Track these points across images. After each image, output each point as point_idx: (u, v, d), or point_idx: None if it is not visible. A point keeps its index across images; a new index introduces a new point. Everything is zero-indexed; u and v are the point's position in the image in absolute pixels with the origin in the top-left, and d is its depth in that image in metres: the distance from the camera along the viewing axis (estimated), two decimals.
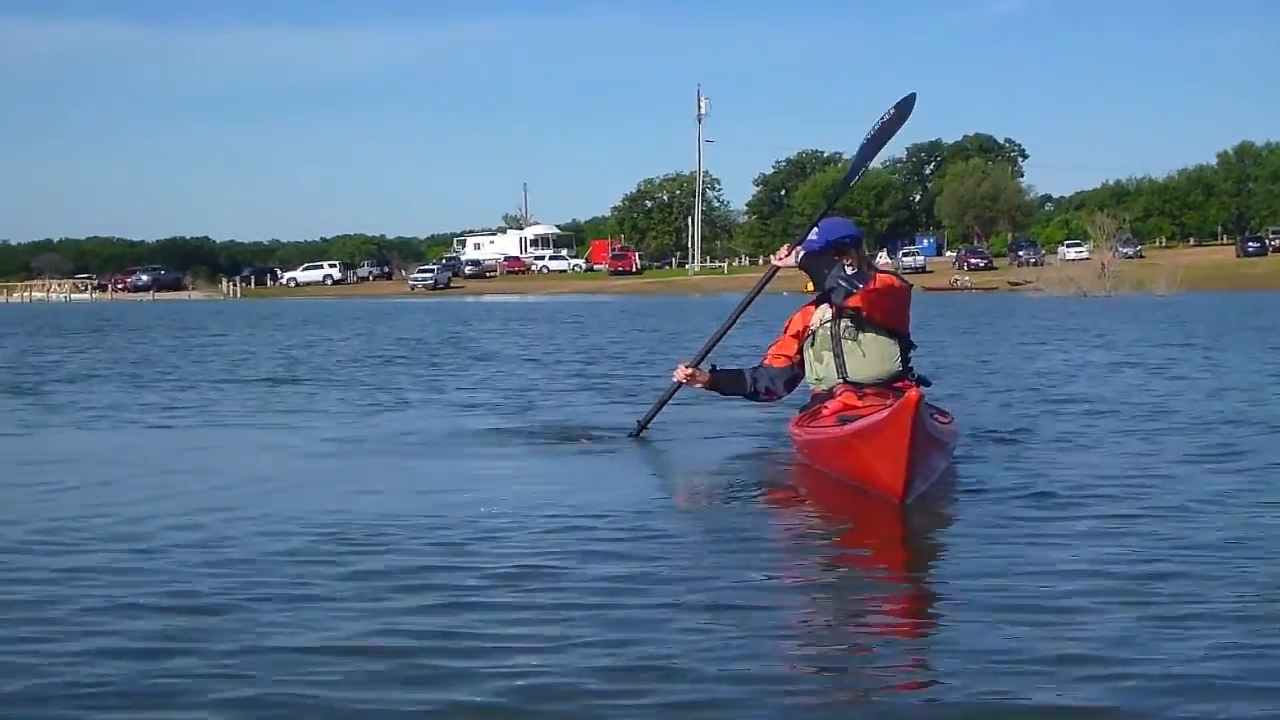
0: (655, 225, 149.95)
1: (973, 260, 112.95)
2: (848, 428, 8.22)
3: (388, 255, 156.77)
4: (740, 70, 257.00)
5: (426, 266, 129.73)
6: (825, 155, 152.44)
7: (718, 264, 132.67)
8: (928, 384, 9.50)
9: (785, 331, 10.04)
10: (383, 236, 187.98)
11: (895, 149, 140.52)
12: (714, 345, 10.67)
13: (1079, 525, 7.12)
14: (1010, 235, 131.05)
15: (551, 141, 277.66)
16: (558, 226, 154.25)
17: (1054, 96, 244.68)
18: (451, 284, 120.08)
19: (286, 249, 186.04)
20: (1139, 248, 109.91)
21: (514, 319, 45.54)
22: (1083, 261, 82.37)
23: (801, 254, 9.71)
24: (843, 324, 9.43)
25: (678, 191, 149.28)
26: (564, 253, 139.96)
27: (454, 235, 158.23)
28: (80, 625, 5.31)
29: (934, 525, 7.34)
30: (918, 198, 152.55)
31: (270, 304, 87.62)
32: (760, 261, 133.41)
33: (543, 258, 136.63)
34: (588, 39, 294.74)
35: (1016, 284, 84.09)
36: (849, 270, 9.37)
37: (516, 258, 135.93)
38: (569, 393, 15.77)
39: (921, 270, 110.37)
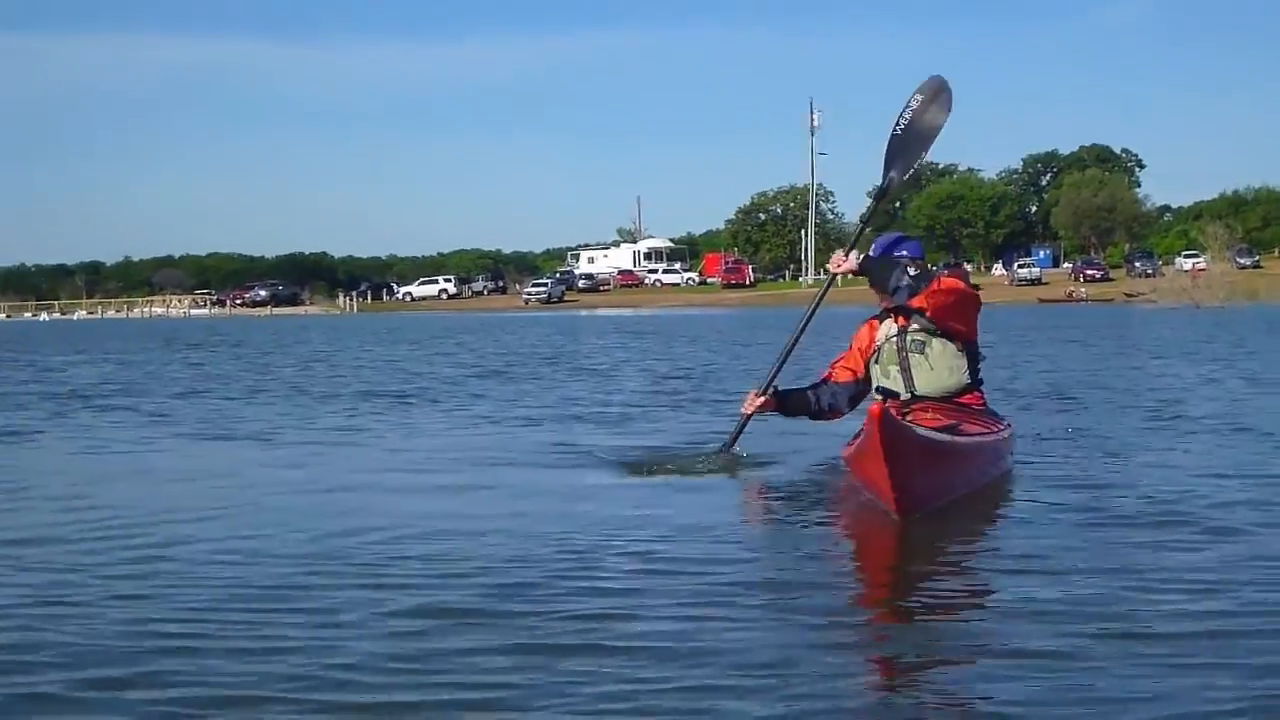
0: (769, 238, 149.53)
1: (1089, 271, 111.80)
2: (853, 445, 8.16)
3: (503, 269, 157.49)
4: (853, 82, 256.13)
5: (540, 280, 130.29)
6: (940, 166, 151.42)
7: None
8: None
9: (851, 346, 9.83)
10: (499, 251, 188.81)
11: (1011, 159, 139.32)
12: (781, 366, 10.26)
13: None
14: (1127, 246, 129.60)
15: (665, 155, 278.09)
16: (671, 240, 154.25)
17: (1172, 105, 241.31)
18: (565, 298, 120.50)
19: (404, 264, 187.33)
20: (1257, 257, 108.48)
21: (622, 333, 45.49)
22: (1199, 272, 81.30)
23: (862, 258, 9.56)
24: (909, 337, 9.27)
25: (791, 204, 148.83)
26: (677, 266, 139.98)
27: (568, 249, 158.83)
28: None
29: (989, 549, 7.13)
30: (1034, 209, 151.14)
31: (385, 318, 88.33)
32: None
33: (656, 271, 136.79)
34: (701, 52, 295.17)
35: (1132, 295, 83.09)
36: (912, 272, 9.20)
37: (630, 271, 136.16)
38: (663, 408, 15.66)
39: (1037, 282, 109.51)
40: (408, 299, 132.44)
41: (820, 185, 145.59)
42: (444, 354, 31.92)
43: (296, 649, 5.19)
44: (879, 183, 10.48)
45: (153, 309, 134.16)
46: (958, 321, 9.24)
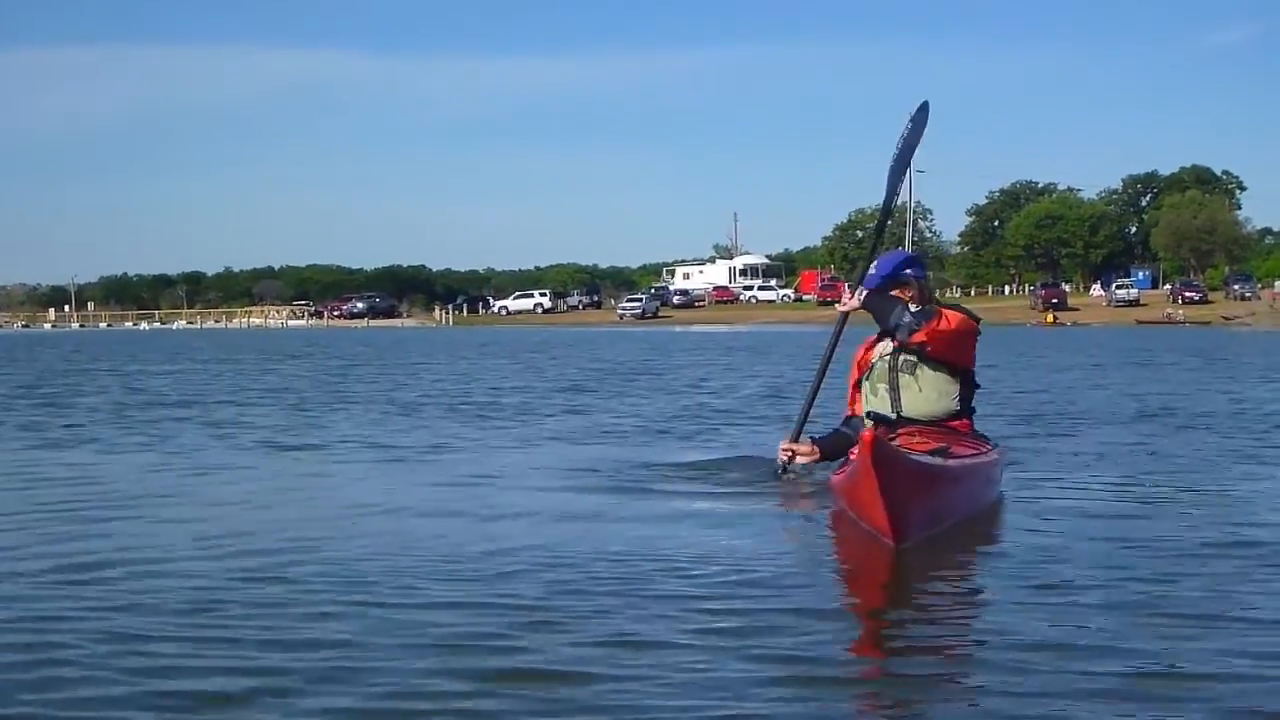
0: (866, 255, 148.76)
1: (1187, 293, 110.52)
2: (843, 472, 8.11)
3: (599, 284, 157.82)
4: (952, 100, 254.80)
5: (635, 296, 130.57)
6: (1039, 185, 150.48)
7: None
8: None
9: (852, 370, 9.83)
10: (595, 266, 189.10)
11: (1111, 179, 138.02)
12: (809, 410, 10.22)
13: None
14: (1227, 268, 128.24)
15: (763, 171, 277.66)
16: (768, 256, 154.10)
17: (1273, 128, 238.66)
18: (659, 314, 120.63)
19: (501, 277, 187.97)
20: None
21: (711, 349, 45.44)
22: None
23: (865, 294, 9.46)
24: (901, 358, 9.25)
25: (889, 222, 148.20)
26: (773, 283, 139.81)
27: (664, 265, 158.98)
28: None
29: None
30: (1133, 229, 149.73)
31: (479, 332, 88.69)
32: (973, 293, 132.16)
33: (751, 288, 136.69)
34: (799, 67, 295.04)
35: (1229, 318, 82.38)
36: (913, 308, 9.13)
37: (725, 287, 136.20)
38: (740, 425, 15.73)
39: (1135, 303, 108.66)
40: (503, 312, 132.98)
41: (918, 203, 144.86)
42: (532, 368, 32.06)
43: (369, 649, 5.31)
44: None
45: (251, 319, 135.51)
46: (957, 354, 9.24)
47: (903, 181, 10.90)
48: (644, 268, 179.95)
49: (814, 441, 9.86)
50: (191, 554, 7.40)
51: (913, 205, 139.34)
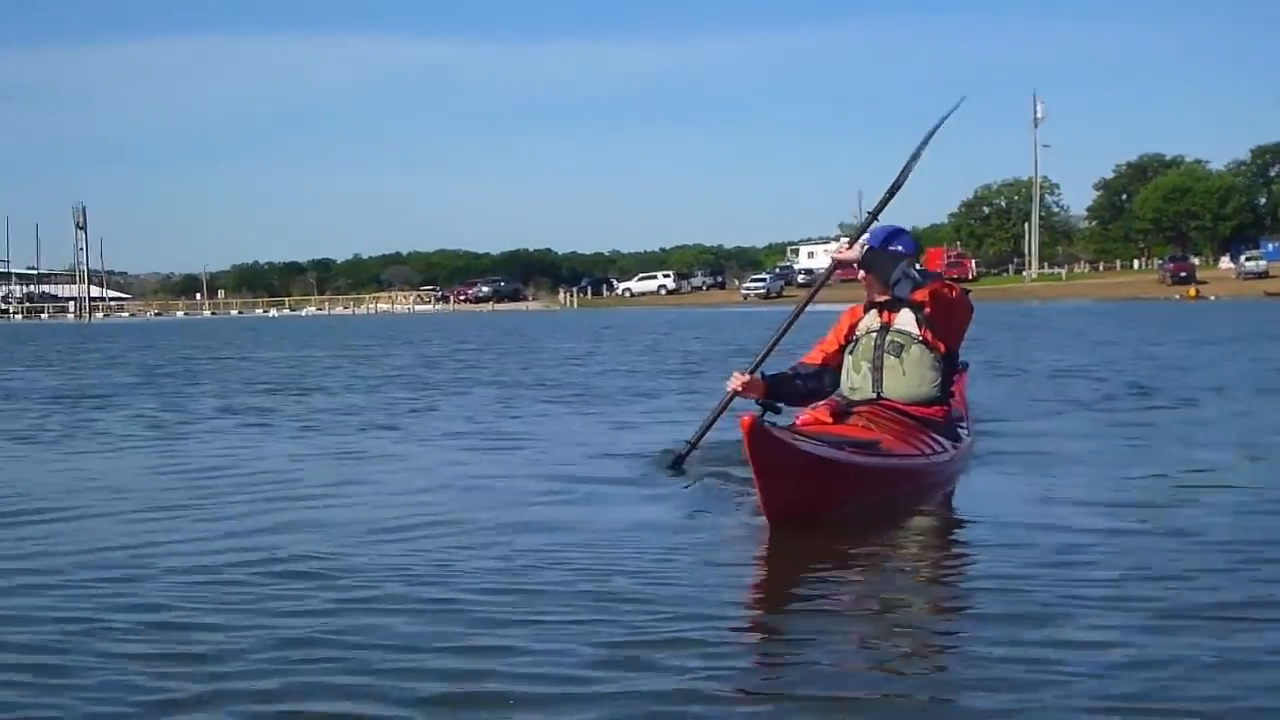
0: (993, 231, 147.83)
1: None
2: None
3: (723, 265, 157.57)
4: (1078, 74, 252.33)
5: (759, 276, 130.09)
6: (1166, 158, 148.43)
7: (1056, 270, 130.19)
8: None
9: (830, 332, 9.61)
10: (720, 246, 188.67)
11: (1239, 150, 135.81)
12: (772, 349, 9.84)
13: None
14: None
15: (888, 148, 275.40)
16: None
17: None
18: (784, 293, 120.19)
19: (626, 259, 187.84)
20: None
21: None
22: None
23: (867, 248, 9.27)
24: (889, 337, 9.14)
25: (1015, 197, 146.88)
26: None
27: (789, 244, 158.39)
28: None
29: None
30: (1263, 201, 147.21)
31: (602, 314, 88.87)
32: (1101, 267, 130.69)
33: None
34: (922, 44, 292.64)
35: None
36: (915, 269, 8.99)
37: (850, 265, 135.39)
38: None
39: (1264, 275, 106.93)
40: (627, 294, 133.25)
41: (1045, 178, 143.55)
42: (650, 349, 32.09)
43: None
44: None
45: (378, 305, 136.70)
46: (949, 325, 9.12)
47: (914, 166, 10.37)
48: (770, 247, 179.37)
49: (764, 378, 9.48)
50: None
51: (1038, 179, 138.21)
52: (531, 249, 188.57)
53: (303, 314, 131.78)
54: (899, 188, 10.11)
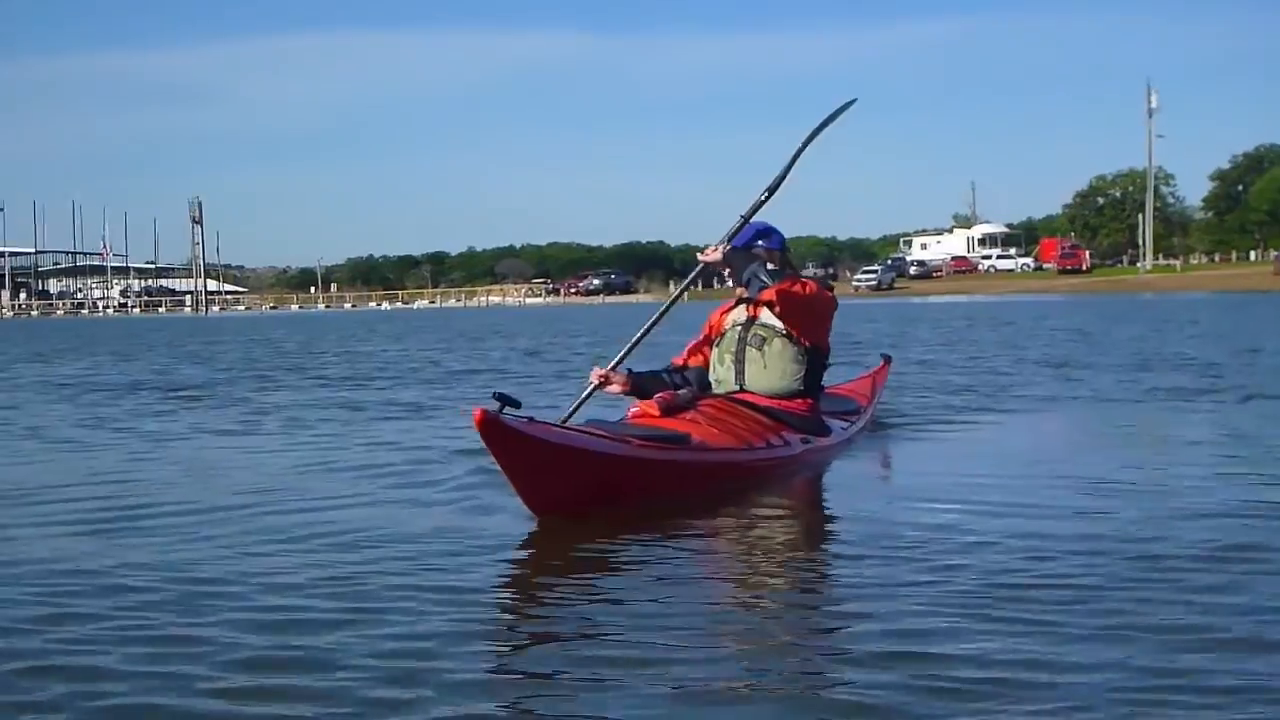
0: (1107, 222, 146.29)
1: None
2: None
3: (836, 256, 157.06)
4: (1194, 64, 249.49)
5: (870, 268, 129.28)
6: None
7: (1170, 262, 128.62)
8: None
9: (703, 330, 9.88)
10: (834, 238, 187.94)
11: None
12: (634, 346, 9.81)
13: None
14: None
15: (1002, 139, 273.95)
16: (1008, 225, 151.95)
17: None
18: (895, 285, 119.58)
19: None
20: None
21: (952, 319, 44.86)
22: None
23: (727, 248, 9.47)
24: (752, 331, 9.39)
25: (1130, 188, 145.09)
26: (1012, 251, 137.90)
27: (902, 235, 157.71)
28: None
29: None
30: None
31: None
32: (1217, 259, 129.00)
33: (989, 257, 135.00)
34: (1038, 35, 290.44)
35: None
36: (770, 268, 9.31)
37: (963, 257, 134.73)
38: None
39: None
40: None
41: (1159, 168, 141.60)
42: None
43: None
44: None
45: (490, 298, 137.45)
46: (804, 320, 9.32)
47: (793, 166, 10.42)
48: (884, 238, 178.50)
49: (629, 374, 9.62)
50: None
51: (1153, 170, 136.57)
52: (644, 241, 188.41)
53: (414, 306, 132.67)
54: (776, 189, 10.17)
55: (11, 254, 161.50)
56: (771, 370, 9.35)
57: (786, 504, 8.29)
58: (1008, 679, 4.48)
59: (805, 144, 10.55)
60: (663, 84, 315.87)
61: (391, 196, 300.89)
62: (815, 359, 9.45)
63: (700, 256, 9.73)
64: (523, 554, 6.93)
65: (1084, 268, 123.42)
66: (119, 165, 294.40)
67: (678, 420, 8.72)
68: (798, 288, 9.15)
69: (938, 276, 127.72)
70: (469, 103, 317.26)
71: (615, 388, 9.58)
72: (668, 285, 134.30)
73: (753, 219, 9.81)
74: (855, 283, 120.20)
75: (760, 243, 9.61)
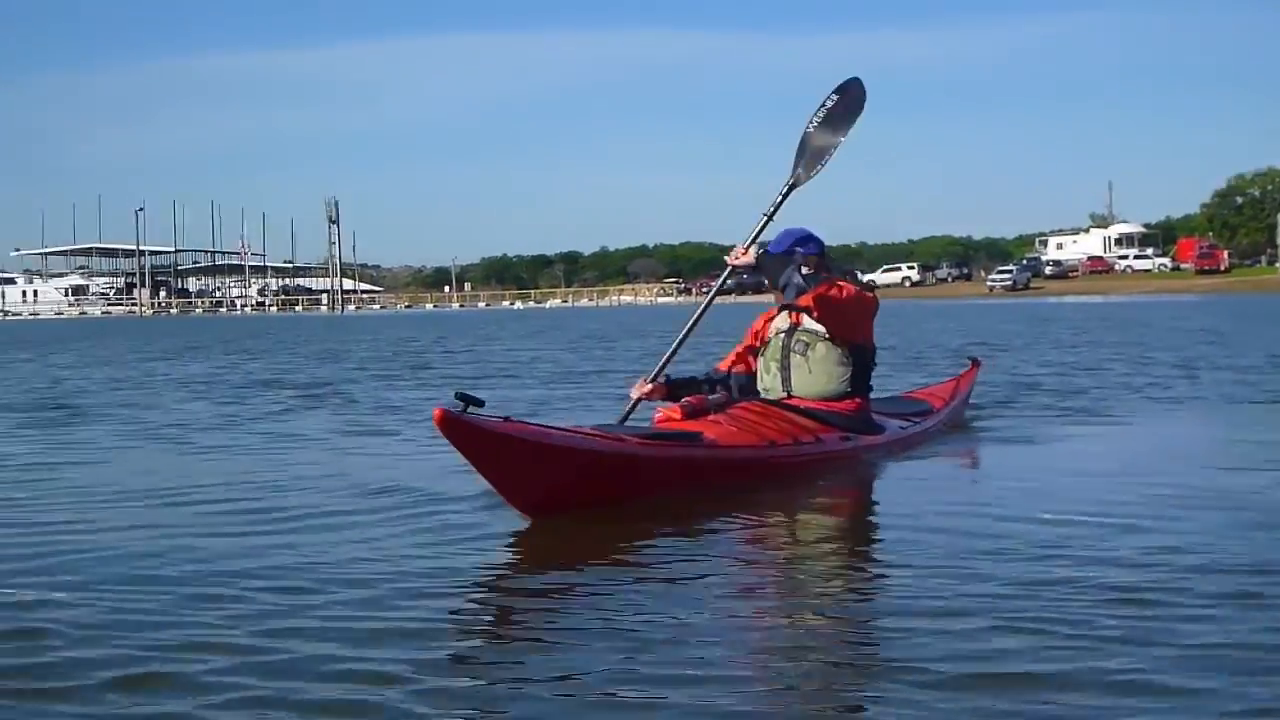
0: (1246, 222, 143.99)
1: None
2: None
3: (971, 256, 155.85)
4: None
5: (1005, 268, 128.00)
6: None
7: None
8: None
9: (746, 337, 9.97)
10: (969, 237, 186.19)
11: None
12: (673, 355, 10.02)
13: None
14: None
15: (1138, 137, 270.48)
16: (1145, 225, 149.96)
17: None
18: (1030, 285, 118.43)
19: (872, 251, 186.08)
20: None
21: (1089, 320, 44.27)
22: None
23: (760, 252, 9.61)
24: (795, 338, 9.42)
25: (1269, 187, 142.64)
26: (1149, 251, 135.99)
27: (1038, 235, 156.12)
28: None
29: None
30: None
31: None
32: None
33: (1126, 257, 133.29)
34: (1176, 32, 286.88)
35: None
36: (805, 272, 9.34)
37: (1099, 257, 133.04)
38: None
39: None
40: (871, 286, 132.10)
41: None
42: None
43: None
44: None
45: (622, 297, 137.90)
46: (844, 323, 9.36)
47: (824, 162, 10.45)
48: (1020, 238, 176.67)
49: (667, 383, 9.78)
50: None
51: None
52: None
53: (546, 306, 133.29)
54: (795, 187, 10.41)
55: (152, 253, 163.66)
56: (817, 374, 9.42)
57: (816, 501, 8.37)
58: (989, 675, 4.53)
59: (804, 142, 10.60)
60: (799, 80, 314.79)
61: (526, 196, 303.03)
62: (860, 359, 9.51)
63: (729, 259, 9.86)
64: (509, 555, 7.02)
65: (1222, 268, 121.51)
66: (257, 165, 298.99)
67: (700, 422, 8.76)
68: (835, 291, 9.23)
69: (1073, 277, 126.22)
70: (604, 102, 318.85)
71: (656, 399, 9.72)
72: None
73: (790, 228, 9.87)
74: (990, 283, 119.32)
75: (799, 250, 9.65)
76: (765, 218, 10.14)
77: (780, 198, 10.34)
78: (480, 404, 7.19)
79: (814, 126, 10.57)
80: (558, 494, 7.55)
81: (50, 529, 7.65)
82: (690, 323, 10.18)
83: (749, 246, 9.81)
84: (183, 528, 7.61)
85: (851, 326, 9.45)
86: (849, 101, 10.70)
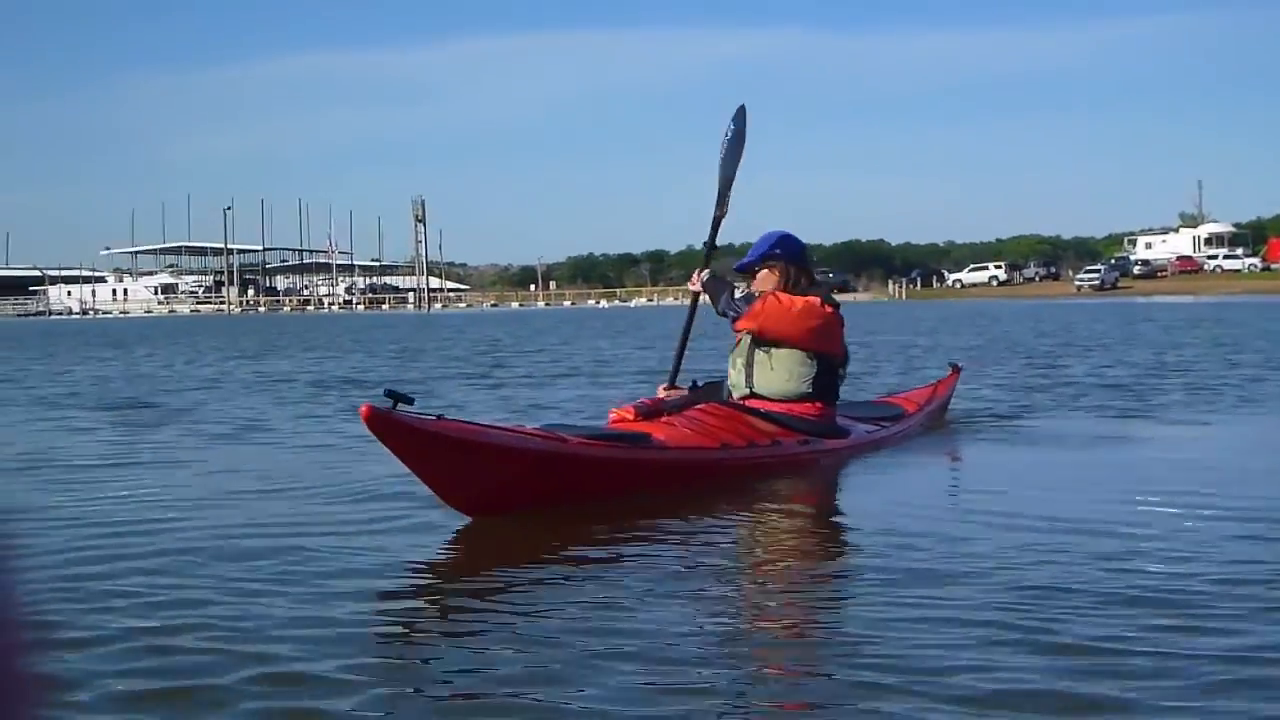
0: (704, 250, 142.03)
1: None
2: None
3: (1060, 255, 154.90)
4: None
5: (1093, 267, 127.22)
6: None
7: None
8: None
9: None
10: (1057, 237, 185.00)
11: None
12: (679, 363, 10.26)
13: None
14: None
15: (1230, 136, 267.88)
16: (1236, 224, 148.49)
17: None
18: (1119, 284, 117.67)
19: (960, 250, 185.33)
20: None
21: (1173, 319, 43.92)
22: None
23: (706, 275, 9.82)
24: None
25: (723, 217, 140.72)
26: (1239, 251, 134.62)
27: (1126, 234, 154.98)
28: None
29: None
30: None
31: (931, 305, 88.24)
32: None
33: (1215, 257, 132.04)
34: (1261, 30, 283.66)
35: None
36: (739, 293, 9.48)
37: (1188, 257, 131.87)
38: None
39: None
40: (957, 285, 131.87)
41: None
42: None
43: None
44: None
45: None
46: (802, 338, 9.33)
47: (733, 178, 10.80)
48: (1109, 237, 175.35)
49: (692, 387, 9.89)
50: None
51: None
52: (865, 240, 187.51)
53: (631, 305, 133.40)
54: (721, 206, 10.69)
55: (240, 251, 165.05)
56: (778, 373, 9.42)
57: (765, 504, 8.22)
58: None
59: (729, 171, 10.87)
60: (882, 80, 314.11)
61: (612, 195, 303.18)
62: (824, 364, 9.49)
63: (689, 286, 10.16)
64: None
65: None
66: (344, 164, 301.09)
67: (653, 424, 8.76)
68: (770, 309, 9.29)
69: (1162, 276, 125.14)
70: (688, 101, 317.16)
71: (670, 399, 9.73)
72: (886, 284, 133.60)
73: (765, 234, 9.94)
74: (1078, 282, 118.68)
75: (778, 251, 9.71)
76: (706, 252, 10.49)
77: (711, 234, 10.63)
78: (410, 401, 7.13)
79: (721, 159, 10.91)
80: (494, 494, 7.51)
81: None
82: (680, 342, 10.38)
83: (699, 272, 10.05)
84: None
85: (802, 339, 9.40)
86: (740, 131, 11.00)
